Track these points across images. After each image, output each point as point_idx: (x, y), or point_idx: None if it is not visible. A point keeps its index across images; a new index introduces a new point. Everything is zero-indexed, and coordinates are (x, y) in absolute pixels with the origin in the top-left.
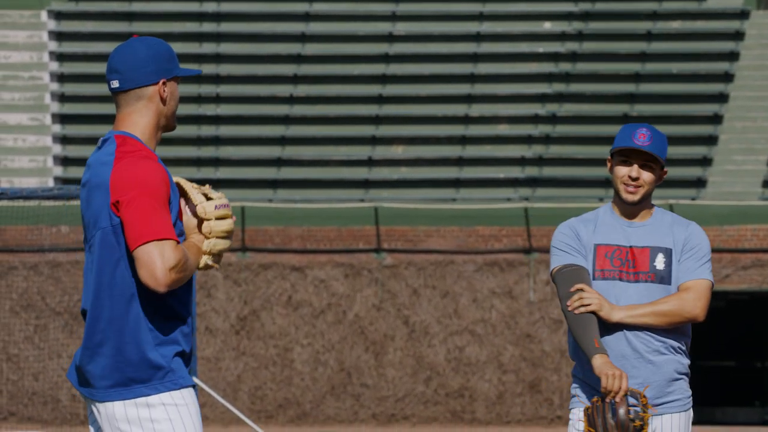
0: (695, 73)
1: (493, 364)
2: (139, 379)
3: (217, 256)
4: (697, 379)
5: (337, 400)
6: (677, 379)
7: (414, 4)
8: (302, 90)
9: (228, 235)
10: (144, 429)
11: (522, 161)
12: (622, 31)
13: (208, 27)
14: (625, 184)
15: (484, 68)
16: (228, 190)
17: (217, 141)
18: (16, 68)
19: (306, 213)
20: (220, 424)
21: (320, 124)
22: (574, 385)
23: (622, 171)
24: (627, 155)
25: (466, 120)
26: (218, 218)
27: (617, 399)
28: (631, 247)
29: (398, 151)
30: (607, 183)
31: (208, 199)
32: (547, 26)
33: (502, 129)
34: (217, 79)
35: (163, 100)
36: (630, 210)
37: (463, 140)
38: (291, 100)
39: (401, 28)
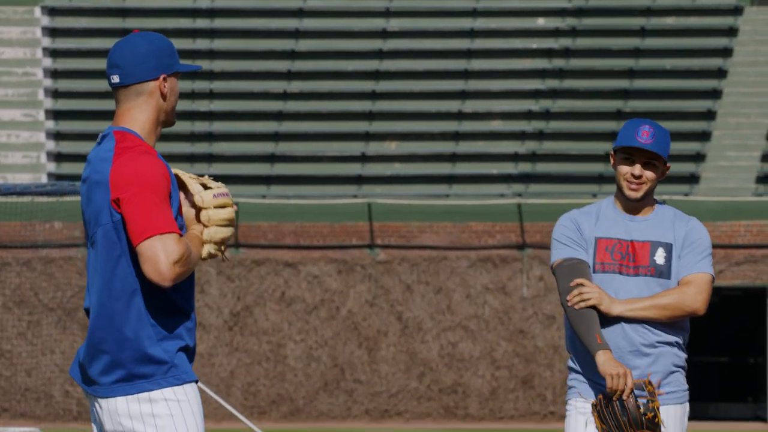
0: (689, 69)
1: (486, 360)
2: (141, 374)
3: (219, 244)
4: (691, 375)
5: (330, 396)
6: (674, 372)
7: (407, 0)
8: (296, 86)
9: (229, 223)
10: (145, 424)
11: (515, 157)
12: (615, 27)
13: (201, 23)
14: (627, 181)
15: (477, 64)
16: None
17: (210, 137)
18: (10, 64)
19: (299, 209)
20: (213, 420)
21: (314, 120)
22: (571, 377)
23: (624, 169)
24: (630, 153)
25: (460, 116)
26: (217, 207)
27: (624, 397)
28: (632, 240)
29: (392, 147)
30: (600, 179)
31: (207, 188)
32: (541, 22)
33: (496, 125)
34: (210, 75)
35: (164, 96)
36: (632, 206)
37: (457, 136)
38: (284, 96)
39: (395, 24)
